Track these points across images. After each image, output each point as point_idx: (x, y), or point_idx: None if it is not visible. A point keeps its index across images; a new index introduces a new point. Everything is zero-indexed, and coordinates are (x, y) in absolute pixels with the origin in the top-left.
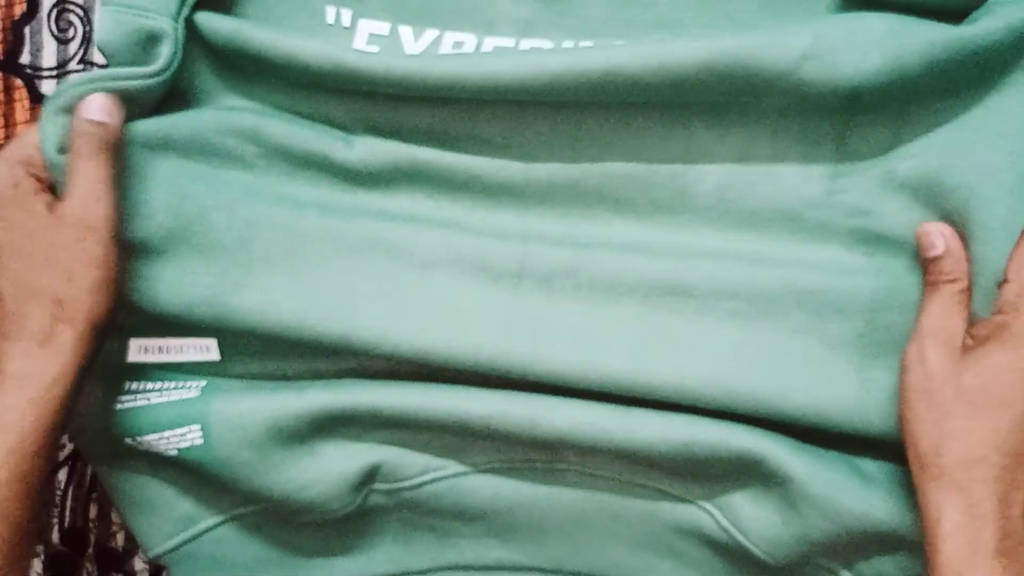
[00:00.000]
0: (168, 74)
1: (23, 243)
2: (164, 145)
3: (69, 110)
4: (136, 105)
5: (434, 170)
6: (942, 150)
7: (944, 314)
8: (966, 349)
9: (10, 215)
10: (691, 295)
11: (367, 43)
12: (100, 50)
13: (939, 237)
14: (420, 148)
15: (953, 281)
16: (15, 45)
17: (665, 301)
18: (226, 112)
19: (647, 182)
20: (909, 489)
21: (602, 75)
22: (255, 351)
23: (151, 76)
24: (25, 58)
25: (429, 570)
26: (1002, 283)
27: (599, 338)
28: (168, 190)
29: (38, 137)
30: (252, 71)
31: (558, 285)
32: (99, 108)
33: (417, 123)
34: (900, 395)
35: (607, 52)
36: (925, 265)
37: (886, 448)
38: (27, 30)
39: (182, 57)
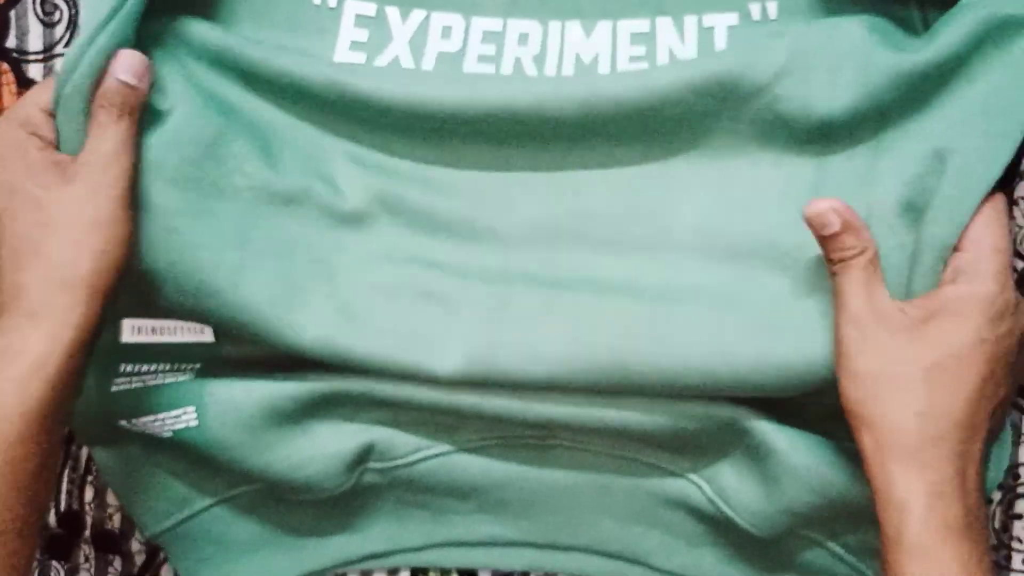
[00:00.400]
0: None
1: (24, 206)
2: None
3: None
4: None
5: (417, 208)
6: (920, 174)
7: (867, 291)
8: (914, 325)
9: (11, 176)
10: (669, 339)
11: (354, 25)
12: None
13: (833, 214)
14: (403, 185)
15: (861, 253)
16: (1, 30)
17: (643, 342)
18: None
19: (627, 220)
20: None
21: (585, 99)
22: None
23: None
24: (11, 42)
25: (423, 547)
26: (953, 253)
27: (582, 357)
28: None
29: (45, 98)
30: (245, 82)
31: (539, 322)
32: (129, 69)
33: (400, 157)
34: (846, 381)
35: (591, 79)
36: (825, 245)
37: None
38: (12, 14)
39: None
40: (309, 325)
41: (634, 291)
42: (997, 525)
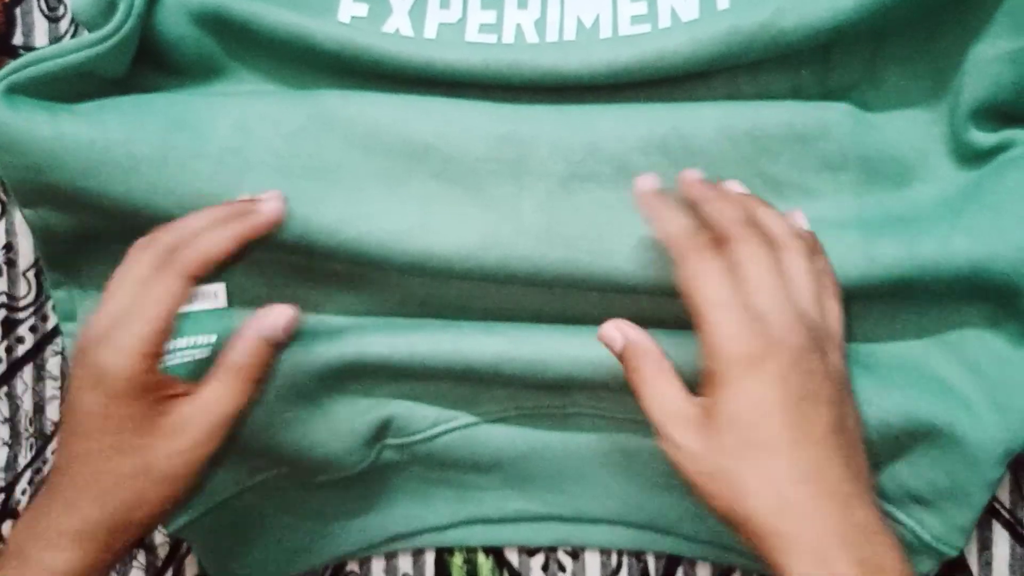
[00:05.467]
0: (118, 38)
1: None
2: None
3: (14, 89)
4: (96, 77)
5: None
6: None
7: (666, 394)
8: (709, 412)
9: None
10: None
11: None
12: (75, 18)
13: (615, 331)
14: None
15: (647, 355)
16: (7, 27)
17: None
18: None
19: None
20: (923, 374)
21: (605, 67)
22: (259, 294)
23: (99, 42)
24: (18, 39)
25: (448, 525)
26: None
27: (606, 238)
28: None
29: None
30: (265, 50)
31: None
32: (278, 326)
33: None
34: (694, 490)
35: (607, 47)
36: (619, 359)
37: (887, 322)
38: (18, 11)
39: (189, 34)
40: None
41: None
42: None
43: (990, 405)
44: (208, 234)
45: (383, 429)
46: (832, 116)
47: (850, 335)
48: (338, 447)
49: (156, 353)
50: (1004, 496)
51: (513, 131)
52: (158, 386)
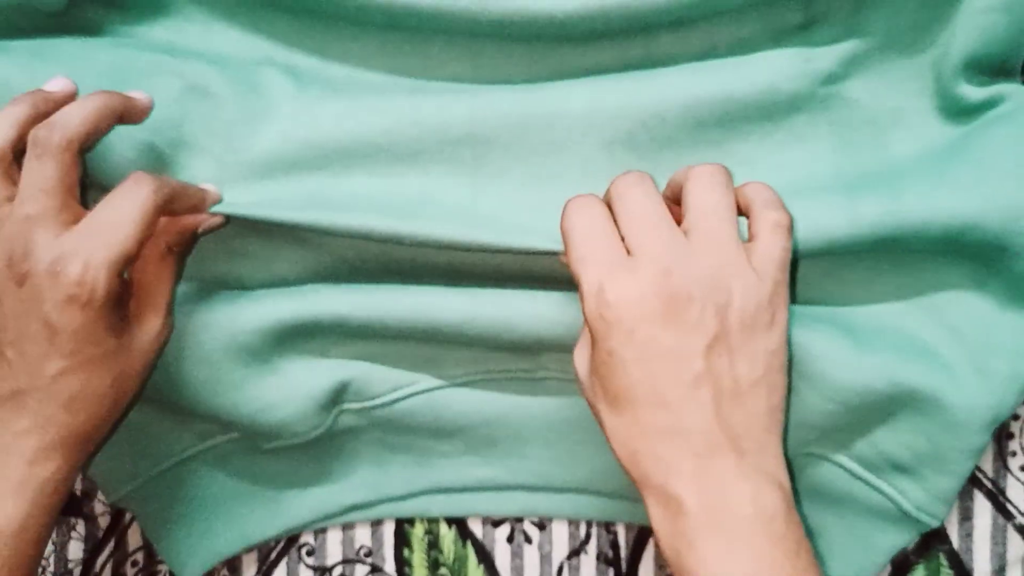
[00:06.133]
0: None
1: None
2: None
3: None
4: (32, 9)
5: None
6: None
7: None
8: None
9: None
10: None
11: None
12: None
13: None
14: None
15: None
16: None
17: None
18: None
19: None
20: (904, 337)
21: (582, 11)
22: (210, 253)
23: None
24: None
25: (408, 495)
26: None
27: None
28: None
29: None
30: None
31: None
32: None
33: (366, 68)
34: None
35: None
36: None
37: (868, 283)
38: None
39: None
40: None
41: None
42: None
43: (973, 369)
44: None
45: (340, 392)
46: (800, 88)
47: (831, 297)
48: (292, 411)
49: (126, 261)
50: (987, 466)
51: (470, 132)
52: (120, 291)
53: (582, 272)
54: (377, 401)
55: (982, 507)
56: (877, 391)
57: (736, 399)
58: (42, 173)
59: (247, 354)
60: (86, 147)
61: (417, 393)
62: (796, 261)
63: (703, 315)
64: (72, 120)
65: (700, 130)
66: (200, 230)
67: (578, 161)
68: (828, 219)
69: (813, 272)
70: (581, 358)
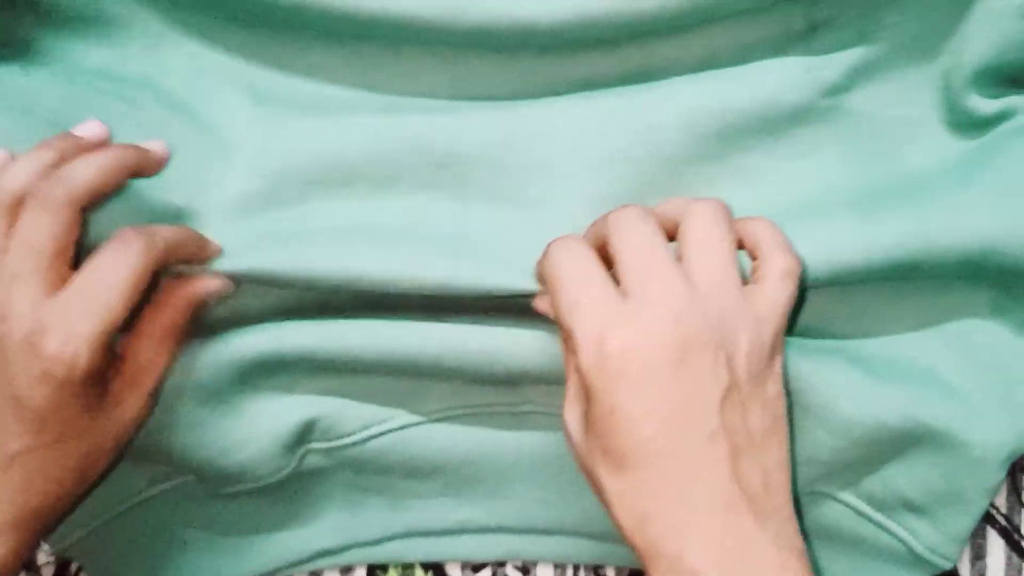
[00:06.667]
0: None
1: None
2: None
3: None
4: None
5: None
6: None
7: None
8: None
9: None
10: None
11: None
12: None
13: (546, 305)
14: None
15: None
16: None
17: None
18: None
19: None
20: (918, 367)
21: (572, 19)
22: None
23: None
24: None
25: (382, 539)
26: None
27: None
28: None
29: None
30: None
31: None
32: (209, 289)
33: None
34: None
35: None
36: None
37: (881, 311)
38: None
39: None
40: None
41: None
42: None
43: (992, 402)
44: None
45: (307, 431)
46: (802, 99)
47: (840, 325)
48: (253, 453)
49: (111, 333)
50: (1000, 501)
51: (453, 152)
52: (104, 365)
53: (575, 320)
54: (347, 440)
55: (995, 545)
56: (889, 426)
57: (751, 454)
58: (36, 228)
59: (204, 392)
60: (91, 205)
61: (391, 431)
62: (802, 297)
63: (716, 364)
64: (80, 175)
65: (699, 144)
66: (209, 298)
67: (569, 180)
68: (841, 241)
69: (820, 298)
70: (573, 417)
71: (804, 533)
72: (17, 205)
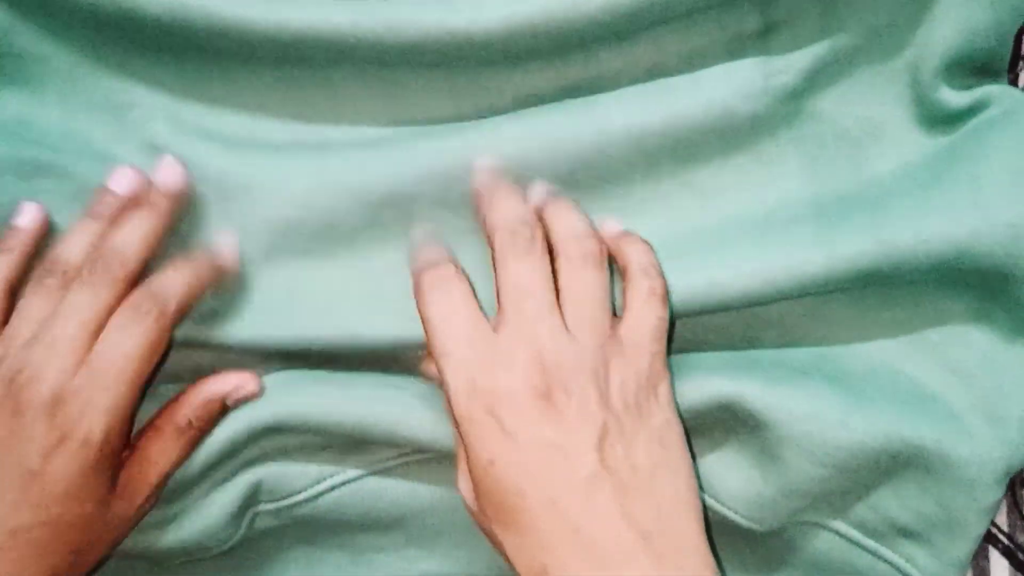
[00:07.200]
0: None
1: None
2: None
3: None
4: None
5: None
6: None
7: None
8: None
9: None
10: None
11: None
12: None
13: None
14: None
15: None
16: None
17: None
18: None
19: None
20: (902, 381)
21: (502, 24)
22: None
23: None
24: None
25: None
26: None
27: None
28: None
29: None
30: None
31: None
32: (239, 391)
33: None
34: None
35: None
36: None
37: (857, 322)
38: None
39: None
40: None
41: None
42: None
43: (982, 415)
44: (179, 274)
45: (252, 495)
46: (758, 108)
47: (815, 339)
48: (198, 528)
49: (127, 408)
50: (1001, 519)
51: (391, 191)
52: (119, 447)
53: (446, 371)
54: (297, 498)
55: (999, 566)
56: (874, 448)
57: (640, 492)
58: (91, 304)
59: None
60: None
61: (343, 483)
62: (672, 326)
63: (586, 403)
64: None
65: (650, 162)
66: (230, 402)
67: None
68: (801, 256)
69: (793, 313)
70: (465, 484)
71: (790, 564)
72: (73, 276)
